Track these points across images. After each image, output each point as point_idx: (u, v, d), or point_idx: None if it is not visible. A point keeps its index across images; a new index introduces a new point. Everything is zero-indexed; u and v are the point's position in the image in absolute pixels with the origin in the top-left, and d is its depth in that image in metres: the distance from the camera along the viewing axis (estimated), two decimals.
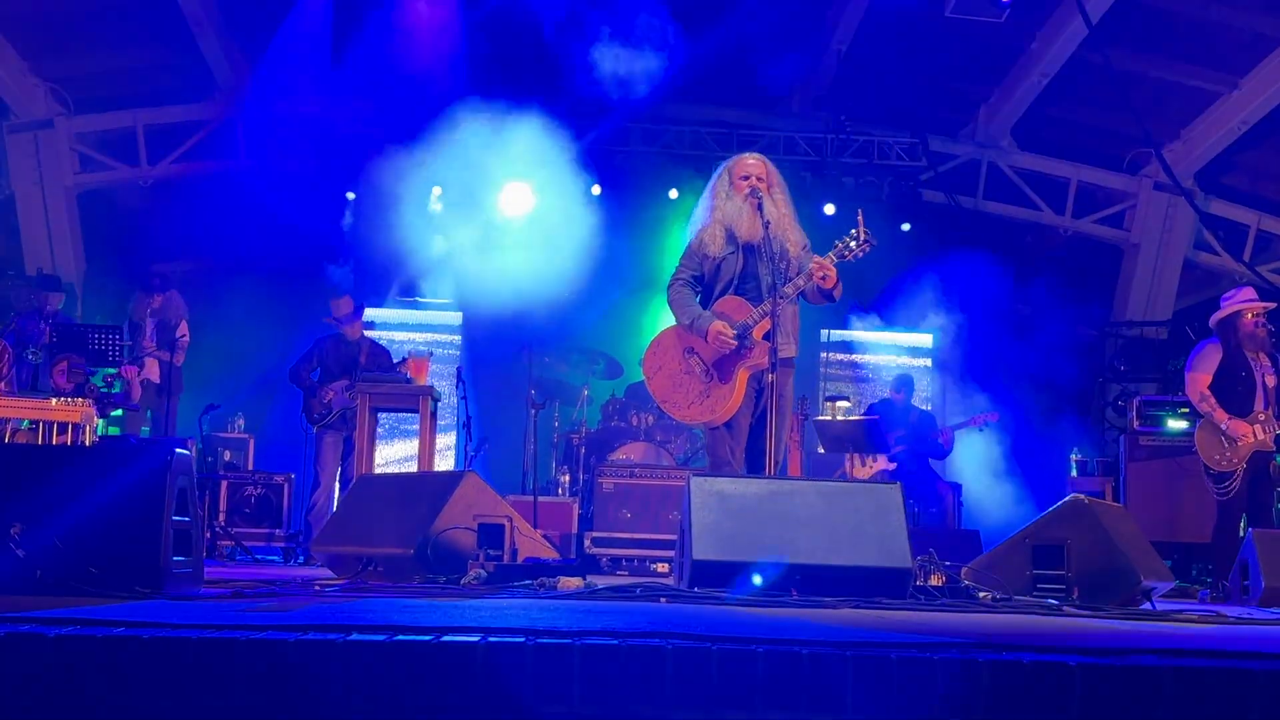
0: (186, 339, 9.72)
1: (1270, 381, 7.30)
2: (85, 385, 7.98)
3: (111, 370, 8.77)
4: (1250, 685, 2.55)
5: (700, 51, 10.59)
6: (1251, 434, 7.17)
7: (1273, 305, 7.58)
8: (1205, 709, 2.52)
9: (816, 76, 12.06)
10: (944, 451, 10.26)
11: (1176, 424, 9.80)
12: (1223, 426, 7.23)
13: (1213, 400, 7.31)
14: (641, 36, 10.19)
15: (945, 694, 2.51)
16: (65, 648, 2.46)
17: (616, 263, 11.62)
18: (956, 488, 10.34)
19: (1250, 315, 7.38)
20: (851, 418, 10.13)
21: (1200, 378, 7.43)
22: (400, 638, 2.52)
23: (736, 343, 5.39)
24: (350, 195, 11.98)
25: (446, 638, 2.52)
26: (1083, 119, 12.60)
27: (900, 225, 12.47)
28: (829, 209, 12.11)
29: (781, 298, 5.30)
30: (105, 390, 8.08)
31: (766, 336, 5.35)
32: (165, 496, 3.65)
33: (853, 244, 5.38)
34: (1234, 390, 7.32)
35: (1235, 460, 7.19)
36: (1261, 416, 7.20)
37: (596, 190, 12.23)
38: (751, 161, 5.68)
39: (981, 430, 10.26)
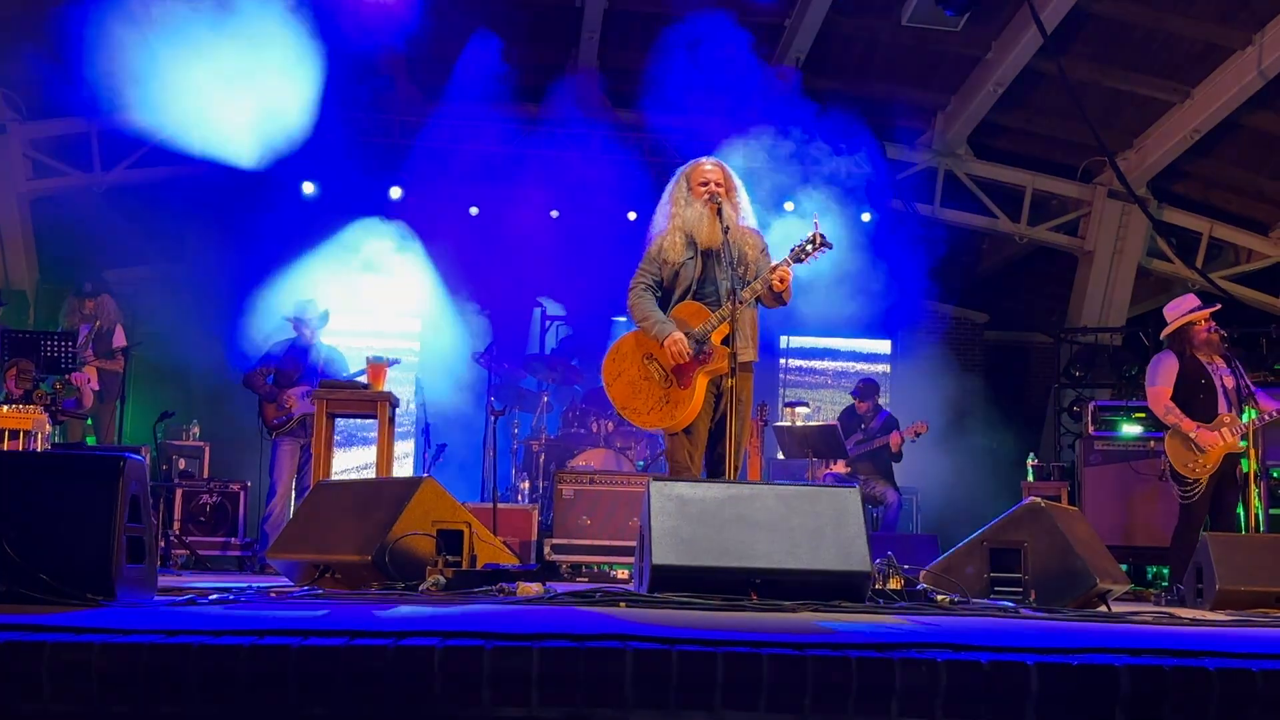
0: (124, 344, 9.60)
1: (1229, 383, 7.37)
2: (34, 391, 7.86)
3: (60, 377, 8.65)
4: (1204, 683, 2.58)
5: (658, 57, 10.61)
6: (1220, 439, 7.25)
7: (1218, 307, 7.66)
8: (1160, 706, 2.55)
9: (775, 83, 12.11)
10: (898, 455, 10.30)
11: (1131, 429, 9.90)
12: (1192, 436, 7.28)
13: (1178, 412, 7.36)
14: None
15: (903, 694, 2.51)
16: (15, 654, 2.42)
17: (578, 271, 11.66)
18: (913, 491, 10.39)
19: (1202, 323, 7.46)
20: (811, 423, 10.17)
21: (1162, 391, 7.47)
22: (358, 641, 2.49)
23: (689, 358, 5.41)
24: (309, 187, 11.87)
25: (404, 641, 2.50)
26: (1038, 128, 12.73)
27: (860, 215, 12.52)
28: (788, 206, 12.17)
29: (740, 303, 5.31)
30: (53, 395, 7.96)
31: (725, 341, 5.36)
32: (117, 503, 3.60)
33: (809, 247, 5.40)
34: (1196, 398, 7.37)
35: (1208, 466, 7.25)
36: (1227, 419, 7.28)
37: (555, 214, 12.27)
38: (709, 167, 5.68)
39: (913, 441, 10.27)
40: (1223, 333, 7.43)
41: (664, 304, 5.65)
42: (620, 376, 5.67)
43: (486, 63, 10.83)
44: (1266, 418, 7.23)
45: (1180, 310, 7.59)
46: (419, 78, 11.61)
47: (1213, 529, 7.24)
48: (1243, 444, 7.28)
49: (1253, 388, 7.35)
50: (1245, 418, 7.25)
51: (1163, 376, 7.50)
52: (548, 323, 12.09)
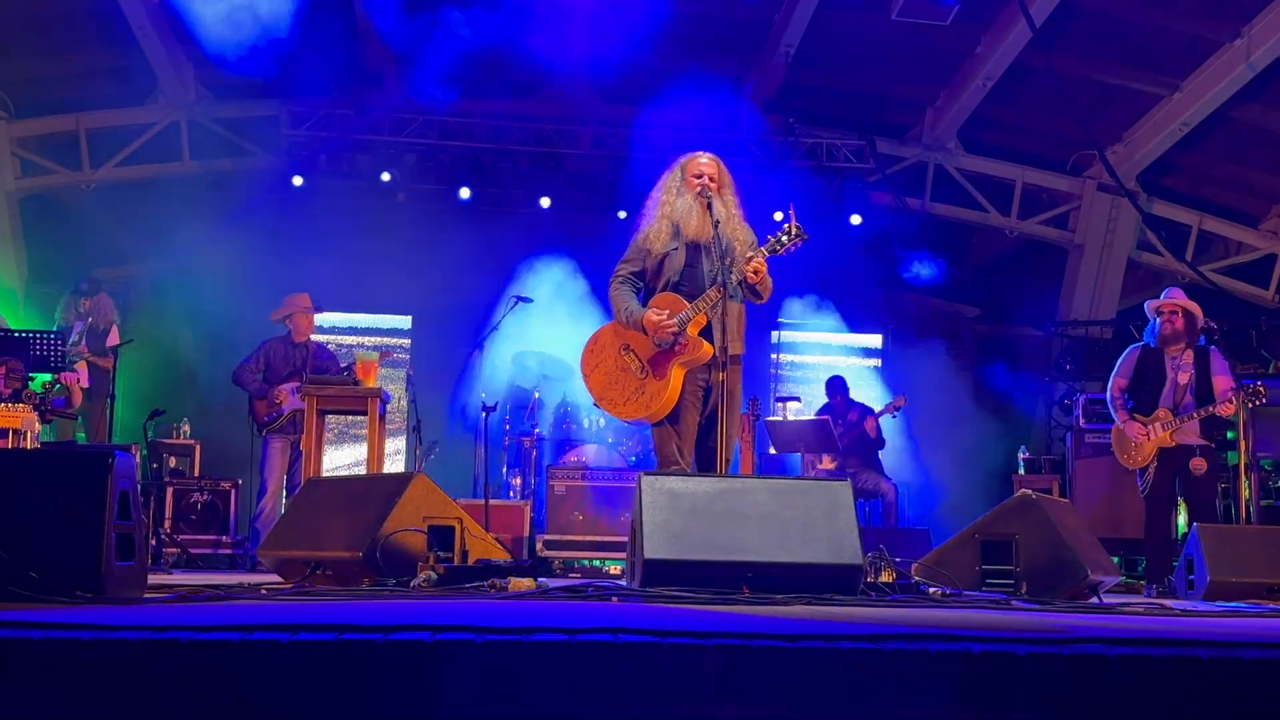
0: (118, 343, 9.58)
1: (1183, 378, 7.37)
2: (23, 390, 7.83)
3: (49, 376, 8.62)
4: (1195, 672, 2.58)
5: (649, 53, 10.59)
6: (1145, 434, 7.32)
7: (1177, 301, 7.55)
8: (1151, 696, 2.55)
9: (766, 78, 12.11)
10: (880, 441, 10.32)
11: None
12: (1121, 427, 7.51)
13: (1119, 402, 7.62)
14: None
15: (895, 684, 2.51)
16: (3, 651, 2.41)
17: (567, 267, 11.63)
18: (905, 485, 10.40)
19: (1165, 314, 7.49)
20: (802, 417, 10.18)
21: (1116, 381, 7.73)
22: (348, 636, 2.48)
23: (677, 326, 5.36)
24: (297, 180, 11.83)
25: (395, 636, 2.49)
26: (1027, 122, 12.74)
27: (850, 218, 12.53)
28: (778, 216, 12.16)
29: (722, 287, 5.29)
30: (43, 395, 7.93)
31: (704, 333, 5.34)
32: (106, 500, 3.58)
33: (784, 238, 5.38)
34: (1141, 389, 7.56)
35: (1139, 459, 7.42)
36: (1161, 414, 7.33)
37: (546, 203, 12.23)
38: (704, 161, 5.65)
39: (895, 416, 10.34)
40: (1178, 326, 7.41)
41: (646, 297, 5.62)
42: (598, 367, 5.65)
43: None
44: (1216, 409, 7.20)
45: (1157, 299, 7.66)
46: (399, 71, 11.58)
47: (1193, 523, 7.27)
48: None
49: (1224, 387, 7.26)
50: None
51: (1120, 367, 7.75)
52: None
